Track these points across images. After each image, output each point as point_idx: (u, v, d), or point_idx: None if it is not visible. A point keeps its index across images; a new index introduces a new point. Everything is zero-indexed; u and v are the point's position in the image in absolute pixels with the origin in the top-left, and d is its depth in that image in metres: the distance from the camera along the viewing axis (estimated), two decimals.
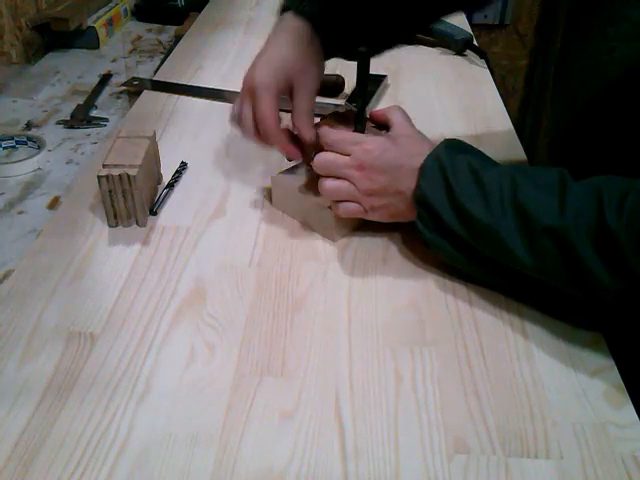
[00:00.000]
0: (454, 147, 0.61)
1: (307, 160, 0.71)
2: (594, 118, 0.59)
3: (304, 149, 0.70)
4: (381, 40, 0.77)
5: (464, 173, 0.58)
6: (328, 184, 0.65)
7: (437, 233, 0.60)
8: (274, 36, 0.69)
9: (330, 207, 0.67)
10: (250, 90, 0.67)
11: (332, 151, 0.65)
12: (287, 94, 0.69)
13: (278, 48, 0.68)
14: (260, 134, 0.68)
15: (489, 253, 0.57)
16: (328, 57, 0.73)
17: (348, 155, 0.64)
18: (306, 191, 0.69)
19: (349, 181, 0.64)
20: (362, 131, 0.68)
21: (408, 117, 0.67)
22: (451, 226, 0.58)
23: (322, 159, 0.65)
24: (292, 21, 0.69)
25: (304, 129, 0.68)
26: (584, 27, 0.64)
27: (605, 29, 0.59)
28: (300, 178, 0.71)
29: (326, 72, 1.02)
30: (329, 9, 0.69)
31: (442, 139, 0.62)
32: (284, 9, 0.71)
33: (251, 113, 0.67)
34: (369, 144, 0.63)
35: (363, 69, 0.64)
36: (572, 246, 0.51)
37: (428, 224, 0.60)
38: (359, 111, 0.67)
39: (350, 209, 0.65)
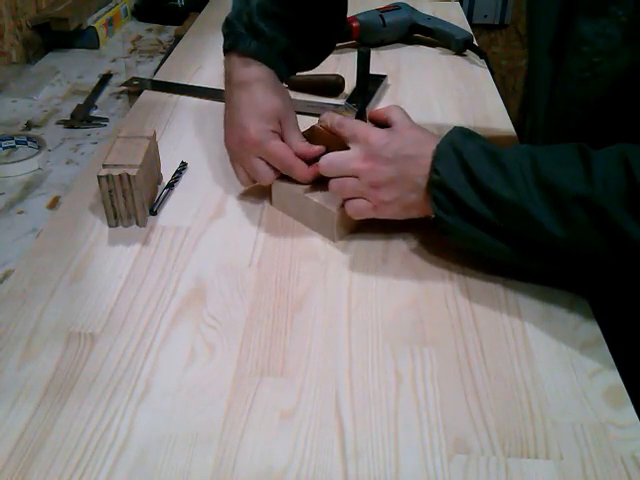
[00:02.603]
0: (465, 133, 0.61)
1: None
2: (585, 135, 0.59)
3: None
4: (315, 52, 0.81)
5: (480, 155, 0.58)
6: (333, 182, 0.64)
7: (458, 216, 0.59)
8: (244, 90, 0.71)
9: (330, 207, 0.67)
10: (252, 147, 0.69)
11: (336, 133, 0.65)
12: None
13: (261, 100, 0.70)
14: (282, 171, 0.70)
15: (517, 230, 0.57)
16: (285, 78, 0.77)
17: (350, 141, 0.64)
18: (306, 191, 0.69)
19: (356, 176, 0.63)
20: None
21: (407, 115, 0.67)
22: (474, 207, 0.57)
23: (326, 159, 0.65)
24: (253, 69, 0.71)
25: (308, 150, 0.69)
26: (555, 49, 0.64)
27: (579, 48, 0.59)
28: None
29: (326, 72, 1.02)
30: (271, 41, 0.72)
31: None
32: (228, 49, 0.73)
33: (262, 162, 0.69)
34: (373, 135, 0.63)
35: (363, 70, 0.64)
36: (604, 212, 0.51)
37: (448, 208, 0.59)
38: (359, 111, 0.67)
39: (358, 206, 0.64)
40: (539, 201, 0.54)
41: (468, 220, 0.58)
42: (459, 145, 0.59)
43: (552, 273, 0.62)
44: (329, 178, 0.69)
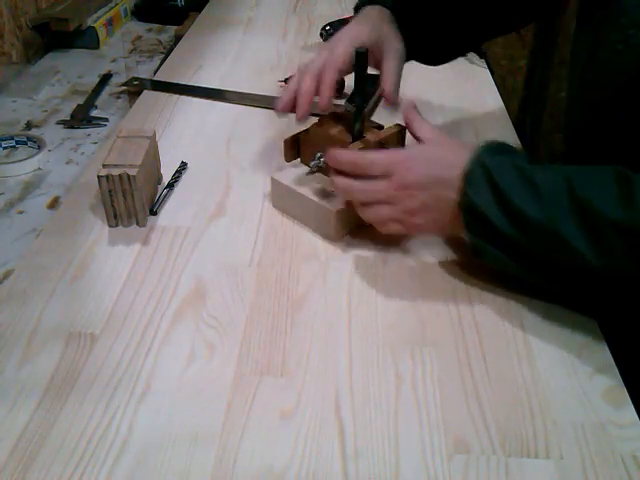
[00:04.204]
0: (495, 149, 0.59)
1: (305, 160, 0.71)
2: (614, 109, 0.57)
3: (306, 149, 0.70)
4: (444, 47, 0.80)
5: (511, 173, 0.56)
6: (368, 210, 0.62)
7: (487, 239, 0.57)
8: (356, 20, 0.72)
9: (330, 207, 0.67)
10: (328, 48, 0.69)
11: (365, 174, 0.61)
12: (373, 63, 0.70)
13: (361, 26, 0.70)
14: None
15: (547, 255, 0.55)
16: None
17: (384, 176, 0.60)
18: (306, 191, 0.69)
19: (389, 202, 0.61)
20: (361, 131, 0.68)
21: (436, 129, 0.64)
22: (502, 229, 0.55)
23: (359, 188, 0.62)
24: (372, 9, 0.73)
25: (393, 92, 0.69)
26: (596, 20, 0.62)
27: (618, 19, 0.58)
28: (300, 178, 0.71)
29: None
30: (403, 4, 0.73)
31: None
32: (359, 6, 0.74)
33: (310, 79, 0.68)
34: (407, 162, 0.60)
35: (360, 71, 0.64)
36: None
37: (476, 231, 0.58)
38: (357, 111, 0.67)
39: (393, 230, 0.63)
40: (573, 225, 0.52)
41: (496, 243, 0.57)
42: (489, 163, 0.56)
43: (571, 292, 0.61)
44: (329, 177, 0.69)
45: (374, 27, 0.71)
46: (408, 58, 0.76)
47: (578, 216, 0.52)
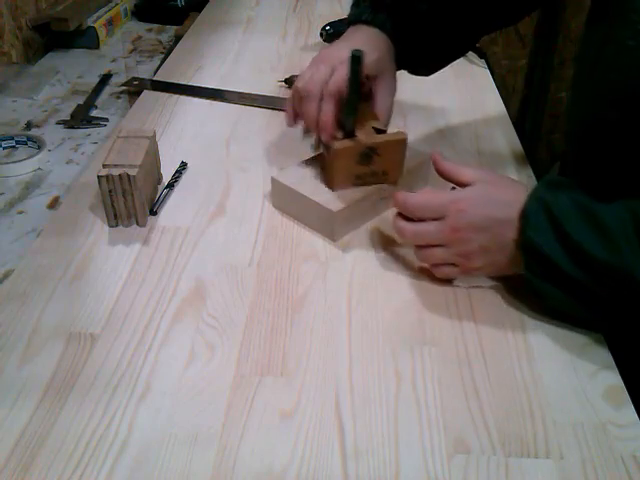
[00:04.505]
0: (554, 184, 0.57)
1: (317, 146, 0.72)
2: (623, 105, 0.56)
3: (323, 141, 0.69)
4: (440, 55, 0.80)
5: (572, 211, 0.53)
6: (420, 252, 0.61)
7: (548, 280, 0.55)
8: (352, 35, 0.71)
9: (330, 207, 0.67)
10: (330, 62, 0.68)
11: (418, 217, 0.60)
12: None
13: (360, 42, 0.69)
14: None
15: (616, 296, 0.52)
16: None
17: (437, 219, 0.59)
18: (306, 191, 0.69)
19: (443, 246, 0.59)
20: (352, 129, 0.68)
21: (478, 169, 0.62)
22: (566, 270, 0.53)
23: (411, 230, 0.61)
24: (368, 29, 0.71)
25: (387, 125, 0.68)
26: (607, 17, 0.62)
27: (629, 16, 0.57)
28: (300, 178, 0.71)
29: None
30: (398, 24, 0.72)
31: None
32: (352, 22, 0.73)
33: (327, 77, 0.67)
34: (460, 203, 0.58)
35: (355, 71, 0.64)
36: None
37: (537, 272, 0.55)
38: (349, 107, 0.67)
39: (446, 272, 0.61)
40: None
41: (559, 284, 0.54)
42: (549, 200, 0.54)
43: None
44: (328, 176, 0.69)
45: (378, 57, 0.69)
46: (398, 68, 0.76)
47: None
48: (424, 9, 0.73)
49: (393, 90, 0.73)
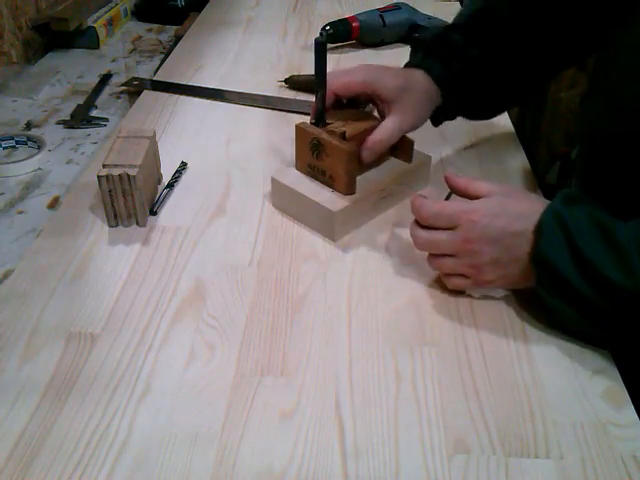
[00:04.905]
0: (572, 199, 0.55)
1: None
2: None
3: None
4: (497, 100, 0.78)
5: (589, 228, 0.52)
6: (434, 263, 0.61)
7: (559, 297, 0.54)
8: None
9: (330, 207, 0.67)
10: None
11: (430, 225, 0.59)
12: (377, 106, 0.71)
13: (398, 71, 0.71)
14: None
15: (627, 317, 0.51)
16: (445, 118, 0.76)
17: (450, 228, 0.58)
18: (306, 191, 0.69)
19: (455, 256, 0.58)
20: (322, 117, 0.69)
21: (493, 183, 0.60)
22: (578, 288, 0.52)
23: (423, 239, 0.60)
24: (413, 69, 0.72)
25: (370, 149, 0.67)
26: (626, 19, 0.61)
27: None
28: (300, 178, 0.71)
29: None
30: (450, 70, 0.72)
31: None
32: (411, 65, 0.73)
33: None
34: (473, 214, 0.57)
35: (320, 59, 0.64)
36: None
37: (549, 287, 0.54)
38: (319, 103, 0.67)
39: (457, 283, 0.60)
40: None
41: (570, 302, 0.53)
42: (565, 215, 0.53)
43: None
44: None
45: (400, 86, 0.69)
46: (456, 115, 0.77)
47: None
48: (475, 54, 0.72)
49: (403, 122, 0.69)
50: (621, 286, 0.50)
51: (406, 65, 0.75)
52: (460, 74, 0.72)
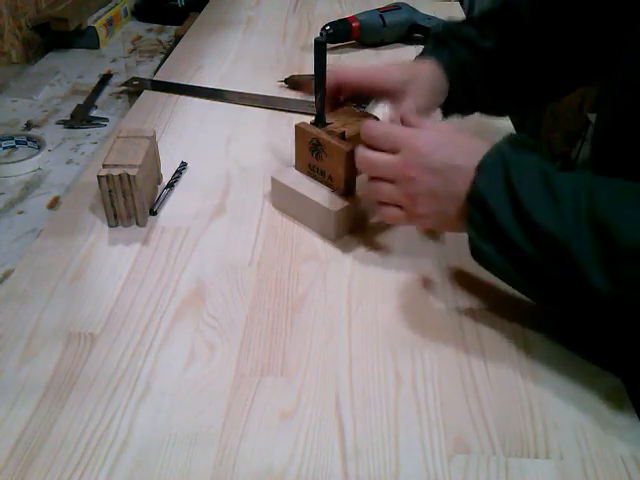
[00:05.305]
0: (520, 143, 0.53)
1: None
2: None
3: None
4: (507, 102, 0.79)
5: (531, 173, 0.50)
6: (369, 183, 0.59)
7: (490, 240, 0.52)
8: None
9: (330, 207, 0.67)
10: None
11: (375, 146, 0.58)
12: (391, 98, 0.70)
13: (405, 65, 0.72)
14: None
15: (553, 271, 0.49)
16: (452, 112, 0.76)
17: (394, 152, 0.57)
18: (306, 191, 0.69)
19: (393, 182, 0.57)
20: (324, 124, 0.69)
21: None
22: (509, 233, 0.50)
23: (363, 157, 0.59)
24: (424, 60, 0.72)
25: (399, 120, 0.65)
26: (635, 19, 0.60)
27: None
28: (300, 178, 0.71)
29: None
30: (465, 67, 0.72)
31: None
32: (422, 56, 0.74)
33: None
34: (418, 140, 0.56)
35: (320, 59, 0.65)
36: None
37: (480, 229, 0.52)
38: (320, 101, 0.67)
39: (392, 215, 0.59)
40: (587, 245, 0.46)
41: (500, 248, 0.51)
42: (509, 157, 0.51)
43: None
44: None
45: (412, 70, 0.70)
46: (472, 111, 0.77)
47: (594, 239, 0.46)
48: (488, 47, 0.72)
49: (418, 101, 0.68)
50: (550, 232, 0.48)
51: (417, 57, 0.76)
52: (469, 64, 0.72)
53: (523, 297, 0.61)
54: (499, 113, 0.81)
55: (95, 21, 1.25)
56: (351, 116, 0.72)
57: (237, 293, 0.62)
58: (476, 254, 0.54)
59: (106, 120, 0.97)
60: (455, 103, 0.74)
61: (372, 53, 1.16)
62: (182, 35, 1.24)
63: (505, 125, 0.93)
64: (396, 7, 1.20)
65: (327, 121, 0.70)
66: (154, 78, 1.06)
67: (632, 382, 0.53)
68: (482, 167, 0.52)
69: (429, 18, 1.20)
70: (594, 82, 0.85)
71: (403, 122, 0.61)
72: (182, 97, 0.99)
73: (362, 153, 0.59)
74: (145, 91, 1.01)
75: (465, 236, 0.55)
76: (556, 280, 0.50)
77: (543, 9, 0.71)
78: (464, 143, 0.56)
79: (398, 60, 1.12)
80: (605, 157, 0.66)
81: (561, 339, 0.57)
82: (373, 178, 0.59)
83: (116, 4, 1.35)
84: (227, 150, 0.86)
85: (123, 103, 1.04)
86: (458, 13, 1.36)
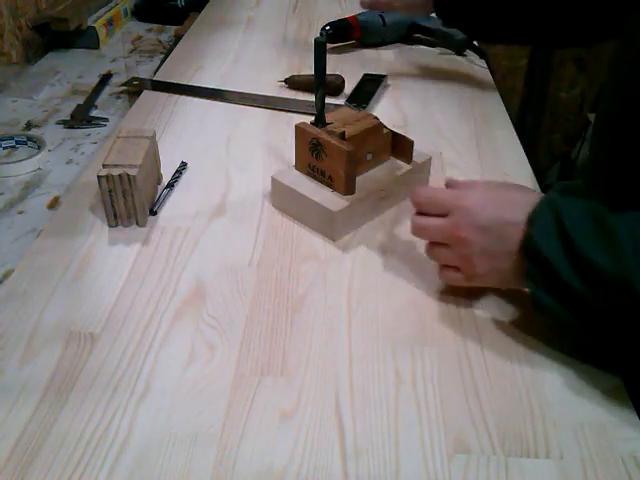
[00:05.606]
0: (568, 190, 0.54)
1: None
2: None
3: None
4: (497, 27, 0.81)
5: (584, 218, 0.50)
6: (429, 252, 0.60)
7: (547, 289, 0.51)
8: None
9: (330, 207, 0.67)
10: None
11: (424, 212, 0.59)
12: None
13: None
14: None
15: (614, 310, 0.49)
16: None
17: (443, 216, 0.57)
18: (306, 191, 0.69)
19: (447, 245, 0.57)
20: (324, 124, 0.69)
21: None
22: (567, 280, 0.49)
23: (416, 224, 0.59)
24: None
25: None
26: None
27: None
28: (300, 178, 0.71)
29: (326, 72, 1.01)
30: None
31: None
32: None
33: None
34: (465, 200, 0.56)
35: (320, 59, 0.65)
36: None
37: (538, 280, 0.51)
38: (320, 102, 0.67)
39: (451, 277, 0.59)
40: None
41: (557, 295, 0.51)
42: (560, 204, 0.51)
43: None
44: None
45: None
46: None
47: None
48: None
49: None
50: (610, 274, 0.47)
51: None
52: None
53: (524, 296, 0.61)
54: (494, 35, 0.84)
55: (95, 21, 1.25)
56: (351, 116, 0.72)
57: (237, 293, 0.62)
58: (537, 307, 0.53)
59: (106, 120, 0.97)
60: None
61: (372, 53, 1.16)
62: (182, 35, 1.24)
63: (505, 125, 0.93)
64: None
65: (327, 121, 0.70)
66: (154, 78, 1.06)
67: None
68: (533, 218, 0.52)
69: (429, 18, 1.19)
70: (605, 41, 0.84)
71: (447, 186, 0.61)
72: (182, 97, 0.99)
73: (414, 219, 0.60)
74: (145, 91, 1.01)
75: None
76: (608, 322, 0.50)
77: None
78: (512, 197, 0.56)
79: (399, 60, 1.12)
80: (602, 155, 0.66)
81: (563, 337, 0.57)
82: (432, 243, 0.60)
83: (116, 4, 1.35)
84: (227, 150, 0.86)
85: (123, 103, 1.04)
86: None
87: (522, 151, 0.87)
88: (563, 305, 0.51)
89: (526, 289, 0.55)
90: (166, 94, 1.00)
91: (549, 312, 0.53)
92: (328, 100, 0.98)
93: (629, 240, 0.47)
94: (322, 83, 0.67)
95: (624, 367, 0.54)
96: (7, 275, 0.65)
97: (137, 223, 0.70)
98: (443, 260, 0.59)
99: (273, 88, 1.02)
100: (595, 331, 0.52)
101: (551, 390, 0.53)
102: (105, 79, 1.11)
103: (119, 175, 0.66)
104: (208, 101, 0.98)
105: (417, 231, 0.60)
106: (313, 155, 0.69)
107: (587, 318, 0.51)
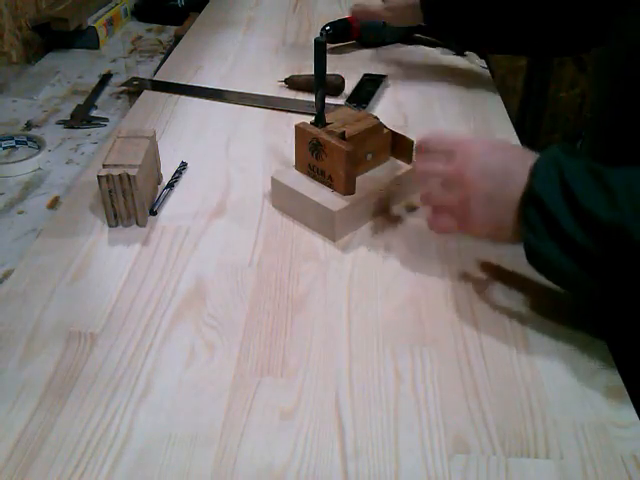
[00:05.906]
0: (568, 150, 0.54)
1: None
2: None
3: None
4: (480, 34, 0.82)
5: (583, 174, 0.51)
6: (424, 193, 0.60)
7: (549, 241, 0.51)
8: None
9: (330, 207, 0.67)
10: None
11: (430, 150, 0.59)
12: None
13: None
14: None
15: (612, 259, 0.49)
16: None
17: (448, 158, 0.58)
18: (306, 191, 0.69)
19: (447, 187, 0.57)
20: (324, 124, 0.69)
21: None
22: (567, 230, 0.50)
23: (420, 167, 0.60)
24: None
25: None
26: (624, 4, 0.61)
27: None
28: (300, 178, 0.72)
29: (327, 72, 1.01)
30: None
31: None
32: None
33: None
34: (472, 145, 0.57)
35: (320, 59, 0.65)
36: None
37: (538, 230, 0.52)
38: (320, 102, 0.68)
39: (441, 224, 0.59)
40: None
41: (560, 246, 0.51)
42: (561, 160, 0.52)
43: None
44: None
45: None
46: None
47: None
48: None
49: None
50: (607, 222, 0.48)
51: None
52: None
53: (524, 296, 0.61)
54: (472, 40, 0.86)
55: (95, 21, 1.25)
56: (351, 116, 0.72)
57: (237, 293, 0.62)
58: (533, 257, 0.54)
59: (106, 120, 0.97)
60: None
61: (372, 53, 1.16)
62: (182, 35, 1.24)
63: (505, 125, 0.93)
64: None
65: (327, 121, 0.70)
66: (154, 78, 1.06)
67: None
68: (536, 169, 0.53)
69: None
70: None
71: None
72: (182, 97, 0.99)
73: (419, 163, 0.60)
74: (145, 91, 1.01)
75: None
76: (607, 269, 0.50)
77: None
78: (515, 151, 0.57)
79: (399, 60, 1.12)
80: (599, 151, 0.67)
81: (563, 337, 0.57)
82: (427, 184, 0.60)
83: (116, 4, 1.35)
84: (227, 150, 0.86)
85: (123, 103, 1.04)
86: None
87: None
88: (562, 252, 0.51)
89: (516, 243, 0.55)
90: (166, 94, 1.00)
91: (546, 261, 0.53)
92: (328, 100, 0.98)
93: (625, 190, 0.49)
94: (322, 83, 0.67)
95: (612, 331, 0.55)
96: (7, 275, 0.65)
97: (137, 223, 0.70)
98: (439, 201, 0.59)
99: (273, 88, 1.02)
100: (591, 281, 0.52)
101: (551, 390, 0.53)
102: (105, 79, 1.11)
103: (119, 175, 0.66)
104: (208, 101, 0.98)
105: (419, 175, 0.60)
106: (313, 155, 0.69)
107: (585, 267, 0.51)
